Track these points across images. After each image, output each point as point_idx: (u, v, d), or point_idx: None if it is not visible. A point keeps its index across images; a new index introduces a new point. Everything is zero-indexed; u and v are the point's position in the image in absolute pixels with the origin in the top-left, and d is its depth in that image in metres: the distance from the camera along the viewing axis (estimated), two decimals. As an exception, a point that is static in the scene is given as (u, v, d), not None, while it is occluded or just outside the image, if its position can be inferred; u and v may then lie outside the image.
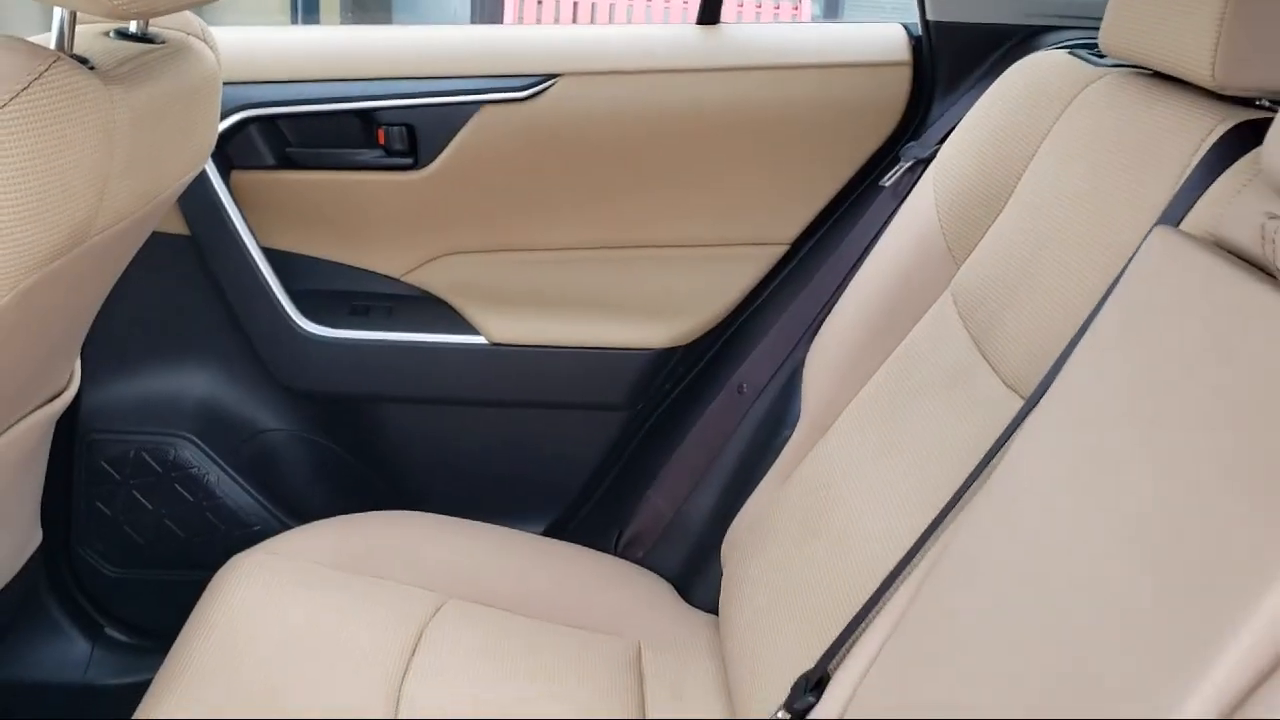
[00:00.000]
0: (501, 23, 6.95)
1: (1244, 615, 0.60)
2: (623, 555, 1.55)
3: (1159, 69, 1.05)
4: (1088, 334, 0.85)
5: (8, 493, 1.32)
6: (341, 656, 1.21)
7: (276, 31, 1.69)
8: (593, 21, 6.75)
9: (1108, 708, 0.64)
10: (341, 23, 7.12)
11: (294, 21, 6.55)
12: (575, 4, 6.92)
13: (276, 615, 1.25)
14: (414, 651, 1.24)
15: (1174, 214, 0.91)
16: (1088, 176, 1.09)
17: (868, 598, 1.01)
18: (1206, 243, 0.79)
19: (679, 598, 1.48)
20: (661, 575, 1.51)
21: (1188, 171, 0.94)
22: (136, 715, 1.14)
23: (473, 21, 6.98)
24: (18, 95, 0.86)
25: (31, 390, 1.22)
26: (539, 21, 6.79)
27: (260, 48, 1.61)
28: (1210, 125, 0.96)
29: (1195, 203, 0.89)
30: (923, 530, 0.99)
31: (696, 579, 1.49)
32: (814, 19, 6.82)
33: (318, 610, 1.27)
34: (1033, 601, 0.76)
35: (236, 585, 1.30)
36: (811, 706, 0.99)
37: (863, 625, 1.00)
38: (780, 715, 1.03)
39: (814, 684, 1.01)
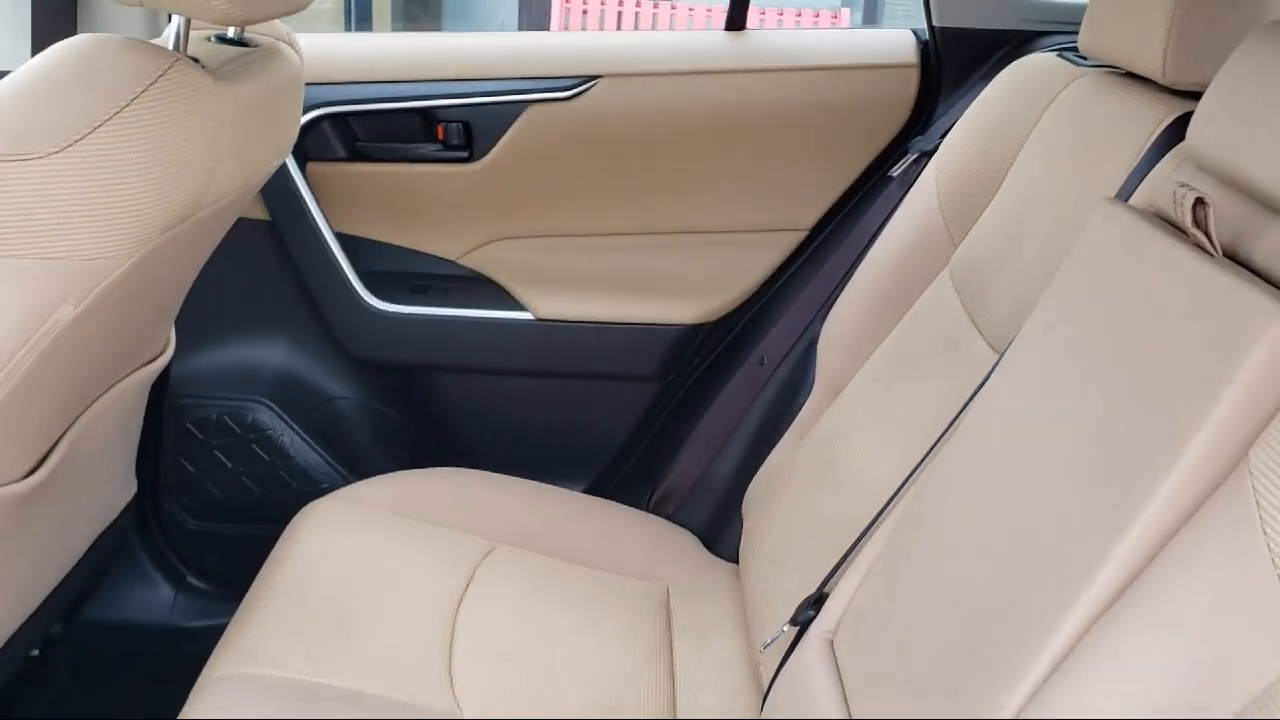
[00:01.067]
0: (547, 25, 7.15)
1: (1145, 499, 0.75)
2: (654, 511, 1.70)
3: (1125, 68, 1.19)
4: (1044, 294, 0.99)
5: (109, 445, 1.49)
6: (404, 588, 1.36)
7: (349, 38, 1.86)
8: (636, 28, 6.91)
9: (1043, 574, 0.79)
10: (393, 32, 7.33)
11: (347, 30, 6.75)
12: (619, 13, 7.09)
13: (346, 553, 1.40)
14: (467, 587, 1.39)
15: (1125, 192, 1.05)
16: (1064, 162, 1.23)
17: (862, 530, 1.16)
18: (1145, 213, 0.93)
19: (704, 549, 1.62)
20: (689, 529, 1.65)
21: (1140, 155, 1.08)
22: (224, 637, 1.29)
23: (521, 24, 7.18)
24: (146, 89, 1.04)
25: (137, 350, 1.39)
26: (584, 29, 6.97)
27: (335, 52, 1.78)
28: (1161, 116, 1.09)
29: (1141, 181, 1.03)
30: (910, 470, 1.14)
31: (720, 532, 1.63)
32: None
33: (382, 549, 1.42)
34: (989, 509, 0.91)
35: (311, 528, 1.46)
36: (812, 619, 1.13)
37: (856, 550, 1.15)
38: (785, 628, 1.18)
39: (814, 601, 1.16)
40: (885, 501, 1.15)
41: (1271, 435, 0.70)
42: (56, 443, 1.24)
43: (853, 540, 1.18)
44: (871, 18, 6.80)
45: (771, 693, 1.15)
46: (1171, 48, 1.07)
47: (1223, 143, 0.85)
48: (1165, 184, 0.96)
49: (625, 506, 1.66)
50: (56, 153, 0.98)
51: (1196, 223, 0.82)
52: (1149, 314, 0.82)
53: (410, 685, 1.21)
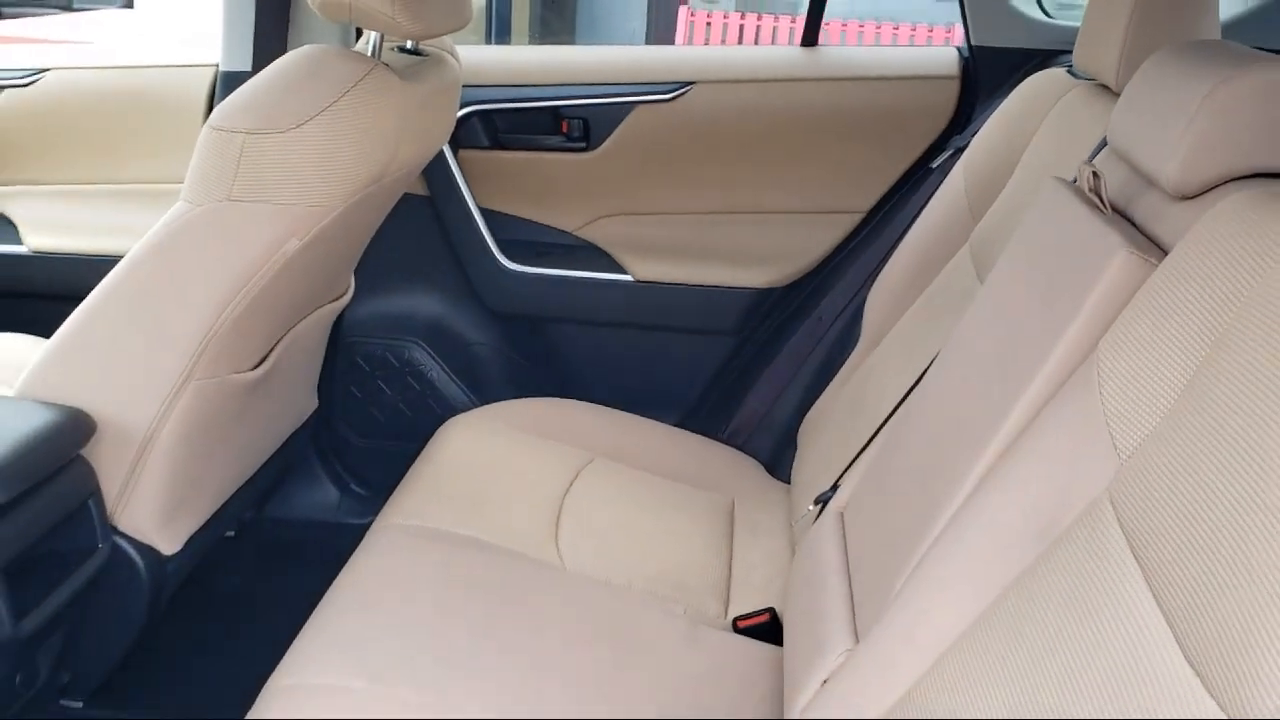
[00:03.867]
0: (674, 44, 7.55)
1: (1029, 380, 1.07)
2: (727, 442, 2.01)
3: (1101, 81, 1.50)
4: (1001, 255, 1.31)
5: (304, 361, 1.88)
6: (521, 481, 1.70)
7: (496, 50, 2.24)
8: (756, 43, 7.27)
9: (966, 434, 1.12)
10: (529, 43, 7.83)
11: (488, 42, 7.25)
12: (741, 28, 7.46)
13: (479, 453, 1.75)
14: (570, 485, 1.71)
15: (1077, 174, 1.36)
16: (1051, 157, 1.54)
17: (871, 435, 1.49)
18: (1074, 187, 1.24)
19: (766, 473, 1.93)
20: (755, 457, 1.97)
21: (1094, 146, 1.38)
22: (387, 505, 1.64)
23: (647, 42, 7.60)
24: (356, 85, 1.42)
25: (330, 287, 1.79)
26: (707, 42, 7.36)
27: (485, 61, 2.15)
28: (1115, 117, 1.40)
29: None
30: (907, 390, 1.47)
31: (780, 459, 1.95)
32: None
33: (506, 453, 1.76)
34: (939, 400, 1.24)
35: (452, 435, 1.82)
36: (829, 499, 1.47)
37: (866, 449, 1.48)
38: (811, 508, 1.52)
39: (832, 488, 1.49)
40: (888, 414, 1.47)
41: (1113, 334, 1.02)
42: (273, 348, 1.64)
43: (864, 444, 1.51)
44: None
45: (796, 554, 1.49)
46: (1123, 66, 1.37)
47: (1123, 133, 1.17)
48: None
49: (702, 437, 1.98)
50: (294, 129, 1.38)
51: (1094, 190, 1.14)
52: (1053, 257, 1.15)
53: (524, 543, 1.55)
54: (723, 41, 7.52)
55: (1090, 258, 1.07)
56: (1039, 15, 1.99)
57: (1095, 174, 1.13)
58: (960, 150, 1.87)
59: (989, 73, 1.97)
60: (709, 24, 7.54)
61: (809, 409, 1.90)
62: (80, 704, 1.62)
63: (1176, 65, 1.11)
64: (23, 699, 1.44)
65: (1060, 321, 1.06)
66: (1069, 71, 1.70)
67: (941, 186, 1.83)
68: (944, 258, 1.75)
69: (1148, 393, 0.94)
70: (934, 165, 1.94)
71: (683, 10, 7.51)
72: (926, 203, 1.87)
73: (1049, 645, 0.91)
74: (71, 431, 1.39)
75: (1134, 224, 1.13)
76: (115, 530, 1.48)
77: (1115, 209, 1.16)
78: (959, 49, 2.05)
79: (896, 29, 6.97)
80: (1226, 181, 1.03)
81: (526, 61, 2.19)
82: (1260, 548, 0.72)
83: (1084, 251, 1.09)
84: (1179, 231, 1.03)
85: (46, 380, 1.43)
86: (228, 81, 1.92)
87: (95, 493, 1.44)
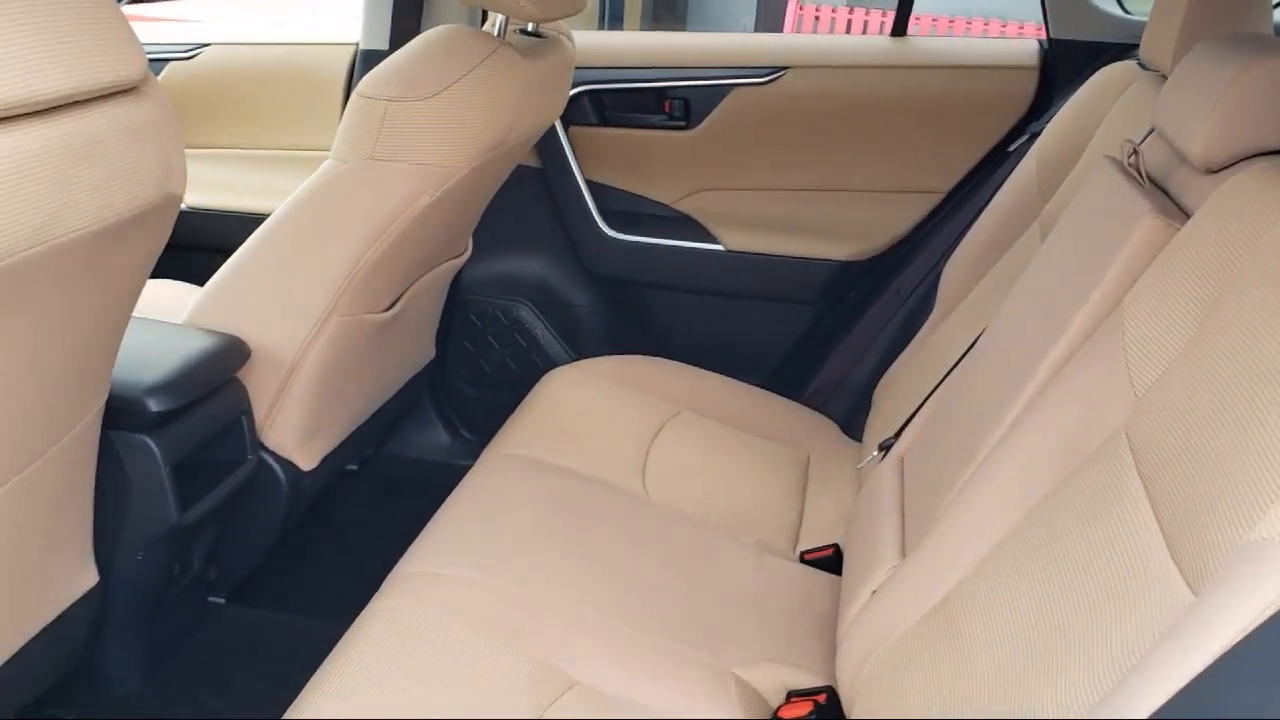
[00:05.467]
0: (781, 32, 7.67)
1: (1065, 327, 1.21)
2: (806, 403, 2.15)
3: (1162, 71, 1.61)
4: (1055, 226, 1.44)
5: (426, 311, 2.08)
6: (613, 425, 1.86)
7: (607, 35, 2.42)
8: (863, 31, 7.34)
9: (1012, 370, 1.26)
10: (641, 29, 8.02)
11: (601, 28, 7.46)
12: (849, 21, 7.55)
13: (576, 399, 1.92)
14: (657, 432, 1.88)
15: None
16: (1115, 140, 1.66)
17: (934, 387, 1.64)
18: (1122, 164, 1.37)
19: (841, 433, 2.08)
20: (832, 418, 2.11)
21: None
22: (496, 437, 1.82)
23: (756, 30, 7.73)
24: (483, 61, 1.61)
25: (451, 245, 1.98)
26: (815, 31, 7.46)
27: (597, 45, 2.33)
28: (1169, 103, 1.52)
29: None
30: (969, 346, 1.61)
31: (855, 420, 2.08)
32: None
33: (600, 401, 1.93)
34: (991, 346, 1.38)
35: (553, 384, 1.99)
36: (892, 445, 1.62)
37: (922, 406, 1.62)
38: (875, 454, 1.67)
39: (895, 435, 1.64)
40: (948, 370, 1.62)
41: (1137, 289, 1.15)
42: (401, 295, 1.85)
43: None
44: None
45: (858, 496, 1.64)
46: (1176, 58, 1.49)
47: (1164, 114, 1.30)
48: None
49: (784, 398, 2.12)
50: (429, 98, 1.57)
51: (1133, 165, 1.27)
52: (1093, 223, 1.28)
53: (613, 476, 1.72)
54: (831, 30, 7.64)
55: (1122, 222, 1.20)
56: (1116, 11, 2.10)
57: (1135, 150, 1.27)
58: (1035, 136, 1.99)
59: (1067, 64, 2.08)
60: (817, 17, 7.64)
61: (884, 374, 2.04)
62: (223, 599, 1.85)
63: (1214, 54, 1.24)
64: (179, 586, 1.67)
65: (1093, 278, 1.20)
66: (1139, 64, 1.81)
67: (1016, 170, 1.95)
68: (1015, 235, 1.87)
69: (1162, 340, 1.08)
70: (1010, 149, 2.06)
71: (791, 4, 7.63)
72: (1002, 184, 1.99)
73: (1062, 553, 1.06)
74: (229, 356, 1.61)
75: (1169, 195, 1.26)
76: (262, 445, 1.70)
77: (1154, 182, 1.29)
78: (1040, 41, 2.17)
79: (987, 24, 7.02)
80: (1248, 157, 1.15)
81: (634, 46, 2.37)
82: (1240, 469, 0.85)
83: (1117, 217, 1.22)
84: (1204, 201, 1.16)
85: (210, 312, 1.66)
86: (366, 59, 2.14)
87: (247, 411, 1.66)
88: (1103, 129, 1.72)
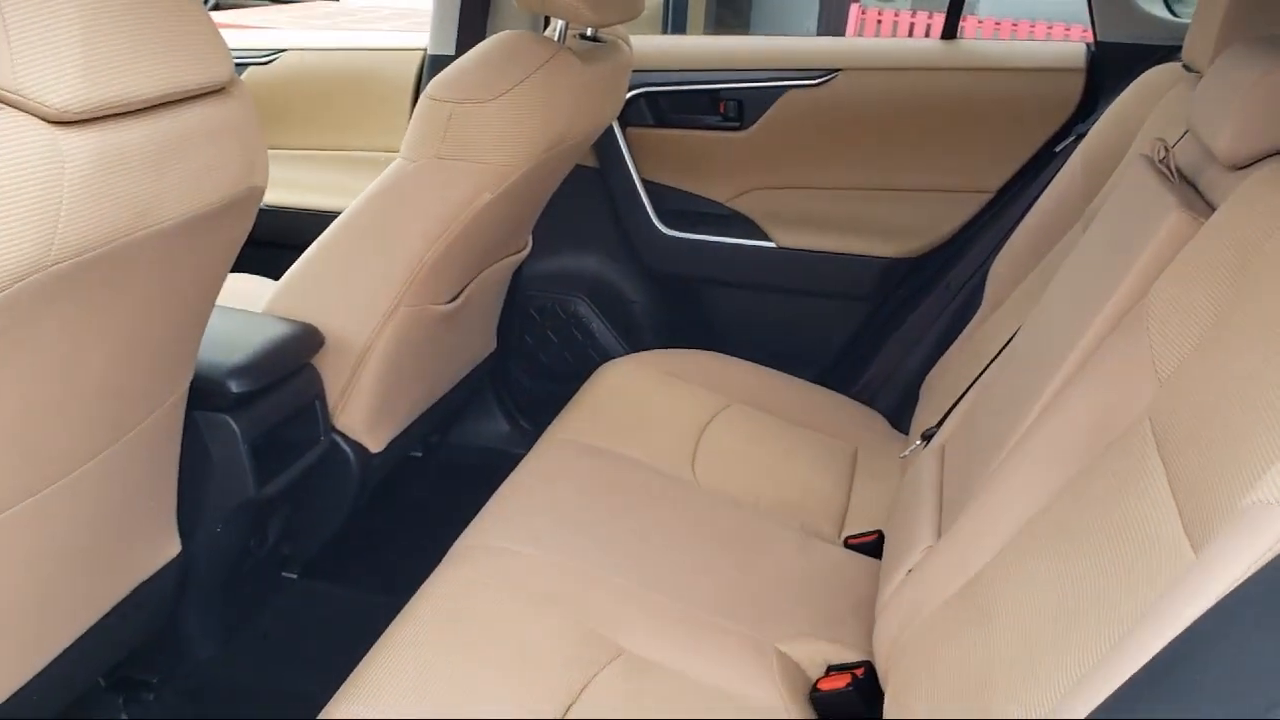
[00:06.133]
0: (844, 35, 7.70)
1: (1096, 314, 1.26)
2: (856, 398, 2.20)
3: (1201, 73, 1.65)
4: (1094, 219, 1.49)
5: (487, 304, 2.16)
6: (666, 415, 1.93)
7: (663, 39, 2.49)
8: (926, 34, 7.35)
9: (1046, 357, 1.32)
10: (704, 33, 8.10)
11: (664, 32, 7.56)
12: (911, 25, 7.55)
13: (629, 391, 1.99)
14: (708, 423, 1.93)
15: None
16: (1157, 139, 1.70)
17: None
18: (1154, 162, 1.42)
19: (890, 426, 2.13)
20: (881, 413, 2.16)
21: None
22: (552, 424, 1.90)
23: (818, 34, 7.77)
24: (544, 65, 1.70)
25: (511, 240, 2.07)
26: (877, 34, 7.48)
27: (653, 49, 2.41)
28: (1207, 104, 1.55)
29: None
30: (1010, 336, 1.66)
31: (904, 414, 2.12)
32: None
33: (653, 392, 1.99)
34: (1030, 334, 1.43)
35: (607, 375, 2.05)
36: (933, 435, 1.67)
37: (963, 396, 1.67)
38: (918, 444, 1.73)
39: (938, 424, 1.70)
40: (991, 360, 1.67)
41: (1162, 279, 1.20)
42: (465, 288, 1.94)
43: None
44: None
45: (901, 483, 1.70)
46: (1213, 58, 1.53)
47: (1195, 112, 1.34)
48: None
49: (834, 392, 2.18)
50: (492, 100, 1.66)
51: (1163, 162, 1.32)
52: (1125, 218, 1.33)
53: (665, 463, 1.79)
54: (894, 34, 7.66)
55: (1150, 217, 1.25)
56: (1162, 13, 2.13)
57: (1166, 148, 1.31)
58: (1081, 136, 2.03)
59: (1113, 66, 2.12)
60: (879, 21, 7.66)
61: (931, 367, 2.08)
62: (295, 575, 1.96)
63: (1245, 54, 1.28)
64: (254, 559, 1.77)
65: (1121, 269, 1.25)
66: (1184, 65, 1.84)
67: (1062, 169, 2.00)
68: (1060, 233, 1.91)
69: (1184, 328, 1.13)
70: (1057, 150, 2.10)
71: (854, 8, 7.66)
72: (1049, 183, 2.03)
73: (1085, 532, 1.11)
74: (305, 343, 1.71)
75: (1198, 191, 1.31)
76: (334, 428, 1.80)
77: (1185, 179, 1.33)
78: (1087, 44, 2.20)
79: (1038, 26, 7.00)
80: (1272, 155, 1.20)
81: (690, 50, 2.44)
82: (1245, 435, 0.90)
83: (1146, 212, 1.27)
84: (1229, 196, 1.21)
85: (287, 301, 1.76)
86: (434, 64, 2.24)
87: (320, 395, 1.76)
88: (1145, 129, 1.76)
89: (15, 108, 0.91)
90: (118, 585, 1.41)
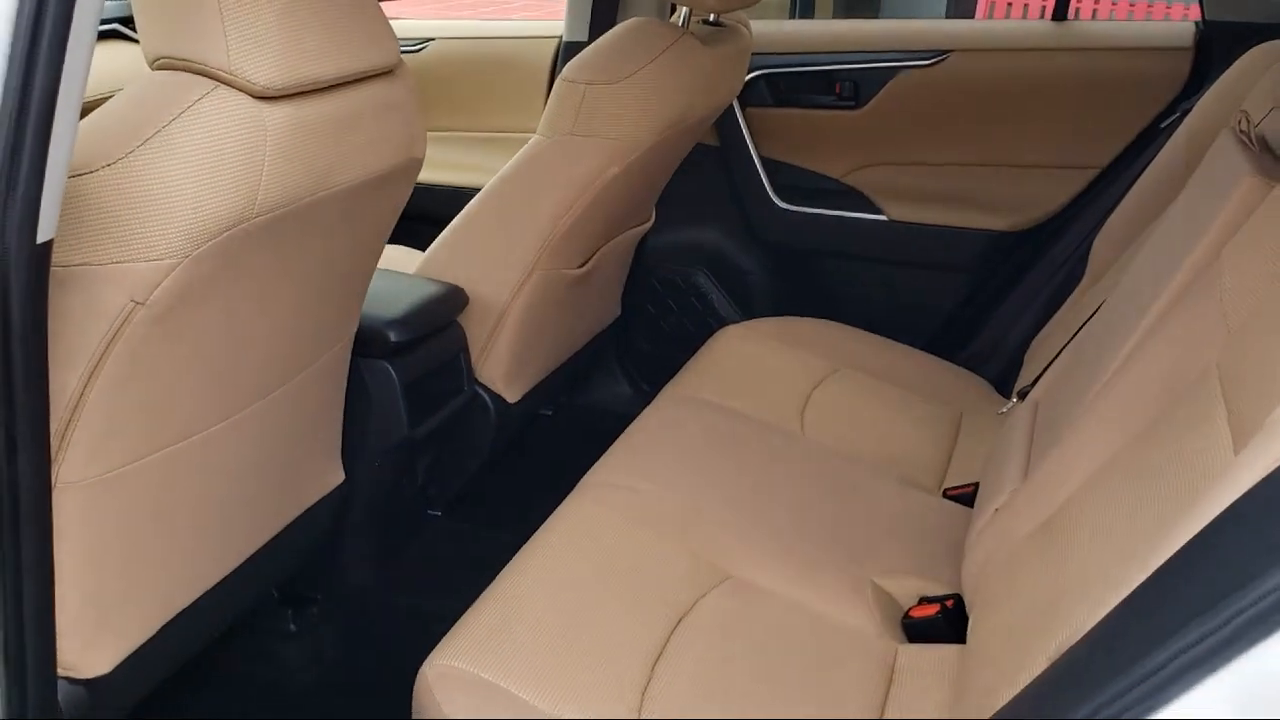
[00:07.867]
0: (973, 18, 7.66)
1: (1174, 274, 1.36)
2: (963, 365, 2.29)
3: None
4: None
5: (613, 273, 2.33)
6: (777, 377, 2.05)
7: (781, 23, 2.61)
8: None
9: (1129, 312, 1.42)
10: (832, 17, 8.13)
11: (791, 17, 7.63)
12: (1043, 8, 7.47)
13: (744, 353, 2.12)
14: (817, 384, 2.06)
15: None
16: (1256, 116, 1.76)
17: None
18: (1238, 133, 1.49)
19: (995, 391, 2.22)
20: (987, 379, 2.25)
21: None
22: (670, 383, 2.06)
23: (947, 17, 7.74)
24: (667, 49, 1.85)
25: (636, 213, 2.23)
26: (1008, 17, 7.41)
27: (772, 33, 2.54)
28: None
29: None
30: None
31: (1008, 381, 2.21)
32: None
33: (766, 355, 2.12)
34: (1116, 297, 1.53)
35: (723, 339, 2.19)
36: (1028, 392, 1.78)
37: (1058, 355, 1.76)
38: (1014, 400, 1.83)
39: (1032, 383, 1.80)
40: (1084, 321, 1.76)
41: (1235, 240, 1.29)
42: (593, 255, 2.11)
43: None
44: None
45: (996, 437, 1.80)
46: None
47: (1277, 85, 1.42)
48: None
49: (941, 359, 2.28)
50: (620, 82, 1.82)
51: (1244, 131, 1.41)
52: (1206, 184, 1.42)
53: (774, 418, 1.92)
54: (1025, 16, 7.59)
55: (1226, 182, 1.34)
56: (1271, -9, 2.17)
57: (1248, 118, 1.40)
58: (1187, 113, 2.08)
59: (1221, 45, 2.16)
60: (1010, 4, 7.60)
61: (1034, 335, 2.17)
62: (439, 514, 2.17)
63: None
64: (405, 496, 1.98)
65: (1198, 232, 1.35)
66: (1290, 41, 1.89)
67: (1166, 145, 2.05)
68: (1161, 208, 1.97)
69: (1254, 283, 1.23)
70: (1163, 126, 2.16)
71: (982, -5, 7.63)
72: (1153, 160, 2.09)
73: (1155, 469, 1.22)
74: (452, 301, 1.91)
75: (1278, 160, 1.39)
76: (476, 380, 2.00)
77: (1269, 149, 1.41)
78: (1196, 23, 2.25)
79: (1151, 5, 6.85)
80: (1346, 124, 1.28)
81: (807, 33, 2.56)
82: None
83: (1223, 178, 1.36)
84: (1305, 164, 1.30)
85: (437, 265, 1.96)
86: (569, 49, 2.42)
87: (464, 350, 1.96)
88: (1247, 105, 1.81)
89: (230, 85, 1.11)
90: (292, 505, 1.62)
